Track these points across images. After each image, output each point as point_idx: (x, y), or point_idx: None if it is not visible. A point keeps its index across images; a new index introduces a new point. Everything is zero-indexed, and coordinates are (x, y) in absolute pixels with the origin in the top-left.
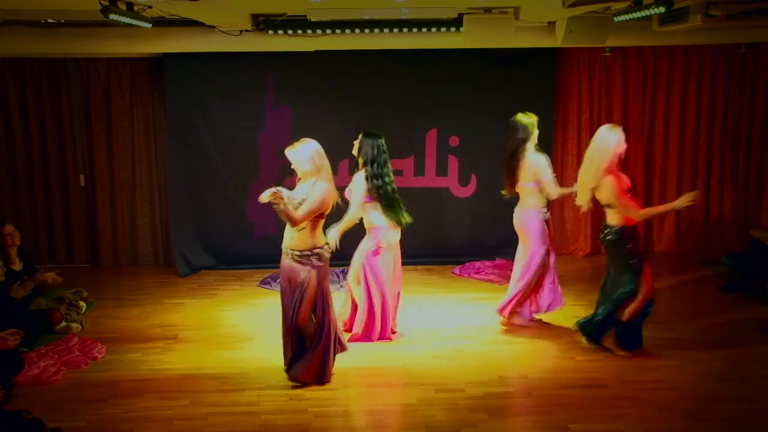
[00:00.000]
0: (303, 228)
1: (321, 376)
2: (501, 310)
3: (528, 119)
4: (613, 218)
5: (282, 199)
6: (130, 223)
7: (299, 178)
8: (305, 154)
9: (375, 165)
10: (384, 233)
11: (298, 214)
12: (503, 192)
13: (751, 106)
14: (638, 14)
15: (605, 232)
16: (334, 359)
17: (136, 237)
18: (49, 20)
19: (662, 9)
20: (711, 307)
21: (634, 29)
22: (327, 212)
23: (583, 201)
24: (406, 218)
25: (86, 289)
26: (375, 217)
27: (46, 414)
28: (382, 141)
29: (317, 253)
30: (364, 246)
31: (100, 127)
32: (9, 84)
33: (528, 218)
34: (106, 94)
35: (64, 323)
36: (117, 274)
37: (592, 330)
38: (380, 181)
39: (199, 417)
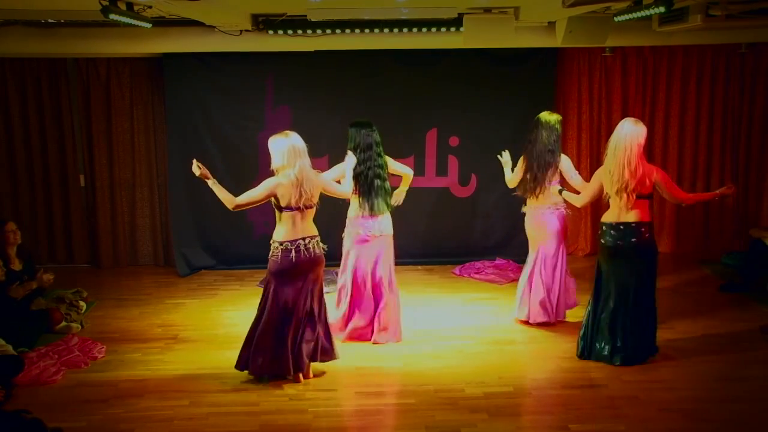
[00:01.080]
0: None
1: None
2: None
3: (555, 117)
4: (633, 214)
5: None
6: (130, 223)
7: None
8: (277, 148)
9: (357, 151)
10: (352, 223)
11: (239, 199)
12: (519, 192)
13: (751, 106)
14: (638, 14)
15: (638, 230)
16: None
17: (136, 237)
18: (49, 20)
19: (662, 9)
20: (711, 307)
21: (634, 29)
22: (282, 204)
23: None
24: (382, 208)
25: (86, 289)
26: (351, 207)
27: (46, 414)
28: (368, 130)
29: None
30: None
31: (100, 127)
32: (9, 84)
33: (551, 216)
34: (106, 94)
35: (64, 323)
36: (117, 274)
37: (646, 348)
38: (362, 167)
39: (199, 417)
